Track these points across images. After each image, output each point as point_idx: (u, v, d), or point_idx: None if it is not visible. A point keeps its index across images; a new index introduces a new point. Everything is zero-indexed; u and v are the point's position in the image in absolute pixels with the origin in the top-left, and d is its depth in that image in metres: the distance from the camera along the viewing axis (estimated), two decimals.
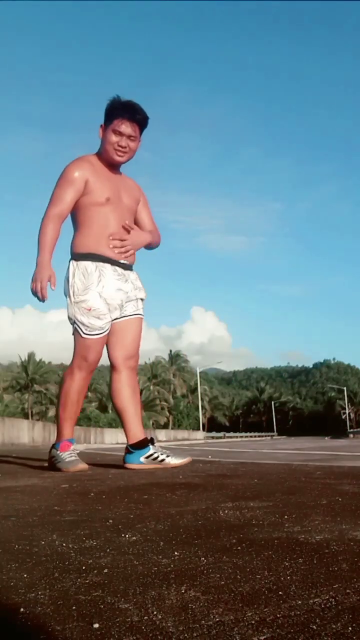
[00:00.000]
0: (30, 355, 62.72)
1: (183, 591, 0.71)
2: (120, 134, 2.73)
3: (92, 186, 2.72)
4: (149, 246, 2.98)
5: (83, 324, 2.70)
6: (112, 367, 2.85)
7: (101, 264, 2.71)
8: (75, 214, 2.76)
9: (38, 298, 2.64)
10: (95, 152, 2.87)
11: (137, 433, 2.78)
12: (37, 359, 63.50)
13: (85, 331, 2.70)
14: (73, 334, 2.76)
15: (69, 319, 2.76)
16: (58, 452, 2.72)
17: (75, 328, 2.73)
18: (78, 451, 2.87)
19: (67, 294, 2.73)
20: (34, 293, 2.65)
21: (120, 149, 2.76)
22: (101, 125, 2.79)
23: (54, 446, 2.78)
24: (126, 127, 2.73)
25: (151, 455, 2.73)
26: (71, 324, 2.76)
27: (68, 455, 2.69)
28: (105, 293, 2.71)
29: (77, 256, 2.73)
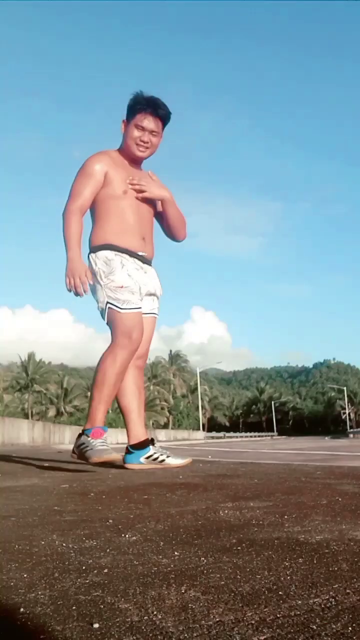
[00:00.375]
0: (30, 355, 62.71)
1: (183, 591, 0.71)
2: (143, 129, 2.72)
3: (110, 179, 2.70)
4: (172, 229, 2.91)
5: (118, 300, 2.60)
6: None
7: (120, 253, 2.67)
8: (94, 206, 2.73)
9: (75, 294, 2.57)
10: (118, 148, 2.86)
11: (140, 434, 2.75)
12: (37, 359, 63.50)
13: (122, 306, 2.60)
14: (108, 322, 2.64)
15: (100, 304, 2.65)
16: (89, 439, 2.51)
17: (111, 307, 2.61)
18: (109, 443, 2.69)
19: (94, 282, 2.65)
20: (71, 289, 2.57)
21: (142, 143, 2.75)
22: (123, 120, 2.78)
23: (83, 432, 2.57)
24: (149, 122, 2.72)
25: (151, 455, 2.72)
26: (103, 309, 2.64)
27: (100, 443, 2.51)
28: (132, 272, 2.66)
29: (94, 248, 2.69)
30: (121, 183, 2.72)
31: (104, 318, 2.68)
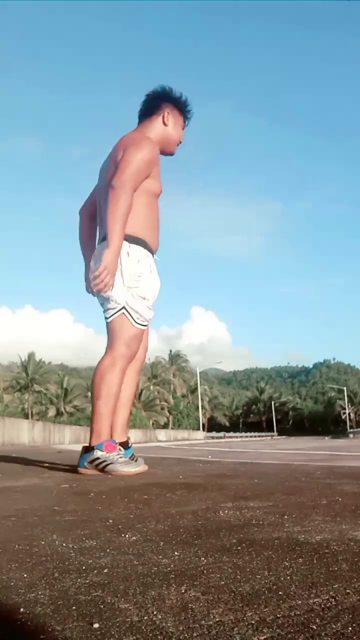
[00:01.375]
0: (30, 355, 62.72)
1: (183, 591, 0.71)
2: (182, 130, 2.80)
3: (155, 174, 2.58)
4: None
5: (137, 312, 2.48)
6: None
7: (150, 254, 2.57)
8: None
9: (95, 292, 2.44)
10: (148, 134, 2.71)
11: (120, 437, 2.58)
12: (37, 359, 63.51)
13: (137, 320, 2.49)
14: (109, 320, 2.49)
15: (114, 303, 2.47)
16: (105, 453, 2.37)
17: (125, 314, 2.47)
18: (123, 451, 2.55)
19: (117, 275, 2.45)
20: (98, 285, 2.39)
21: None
22: (169, 112, 2.72)
23: (93, 448, 2.39)
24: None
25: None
26: (114, 309, 2.48)
27: (119, 456, 2.39)
28: (153, 285, 2.58)
29: (130, 238, 2.49)
30: (159, 181, 2.63)
31: (106, 314, 2.51)
